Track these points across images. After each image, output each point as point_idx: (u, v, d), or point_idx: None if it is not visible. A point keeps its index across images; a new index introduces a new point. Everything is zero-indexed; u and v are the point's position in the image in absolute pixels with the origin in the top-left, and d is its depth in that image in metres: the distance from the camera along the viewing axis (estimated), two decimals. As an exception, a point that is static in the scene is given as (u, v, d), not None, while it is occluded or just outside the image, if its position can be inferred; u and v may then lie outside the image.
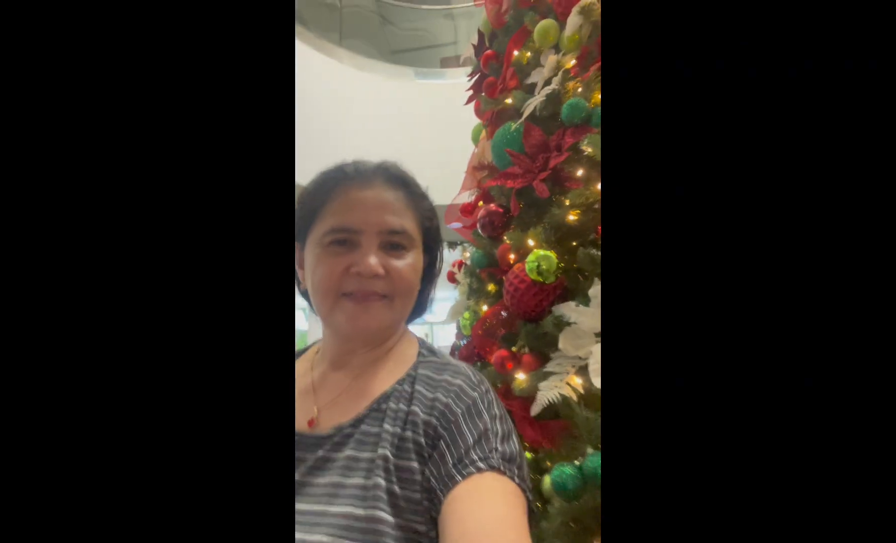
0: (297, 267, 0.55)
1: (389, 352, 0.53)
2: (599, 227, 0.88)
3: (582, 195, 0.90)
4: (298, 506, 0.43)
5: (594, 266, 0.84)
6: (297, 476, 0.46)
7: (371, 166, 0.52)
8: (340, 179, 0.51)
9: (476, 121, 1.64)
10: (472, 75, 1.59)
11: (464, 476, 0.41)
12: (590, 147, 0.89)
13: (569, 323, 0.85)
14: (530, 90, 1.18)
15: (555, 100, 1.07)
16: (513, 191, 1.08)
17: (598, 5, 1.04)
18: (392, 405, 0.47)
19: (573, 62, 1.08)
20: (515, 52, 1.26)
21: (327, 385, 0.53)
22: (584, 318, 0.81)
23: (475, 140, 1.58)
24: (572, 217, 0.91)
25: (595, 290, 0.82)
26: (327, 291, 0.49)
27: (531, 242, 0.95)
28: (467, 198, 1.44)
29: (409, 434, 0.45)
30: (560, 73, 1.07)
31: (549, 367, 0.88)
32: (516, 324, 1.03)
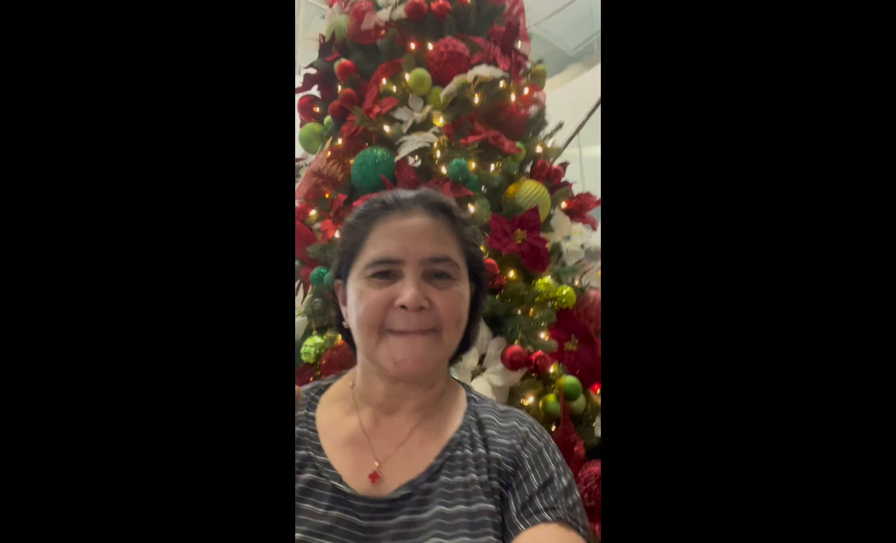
0: (339, 303, 0.52)
1: (442, 395, 0.51)
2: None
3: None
4: None
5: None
6: None
7: (411, 195, 0.50)
8: (379, 210, 0.49)
9: (302, 120, 1.48)
10: (312, 72, 1.43)
11: (527, 525, 0.42)
12: (477, 208, 1.03)
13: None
14: (390, 122, 1.22)
15: (424, 150, 1.16)
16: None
17: (474, 89, 1.23)
18: (468, 452, 0.46)
19: (441, 120, 1.22)
20: (384, 81, 1.27)
21: (383, 432, 0.48)
22: (469, 358, 0.91)
23: (306, 142, 1.41)
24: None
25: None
26: (371, 327, 0.46)
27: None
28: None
29: (494, 482, 0.44)
30: (433, 128, 1.17)
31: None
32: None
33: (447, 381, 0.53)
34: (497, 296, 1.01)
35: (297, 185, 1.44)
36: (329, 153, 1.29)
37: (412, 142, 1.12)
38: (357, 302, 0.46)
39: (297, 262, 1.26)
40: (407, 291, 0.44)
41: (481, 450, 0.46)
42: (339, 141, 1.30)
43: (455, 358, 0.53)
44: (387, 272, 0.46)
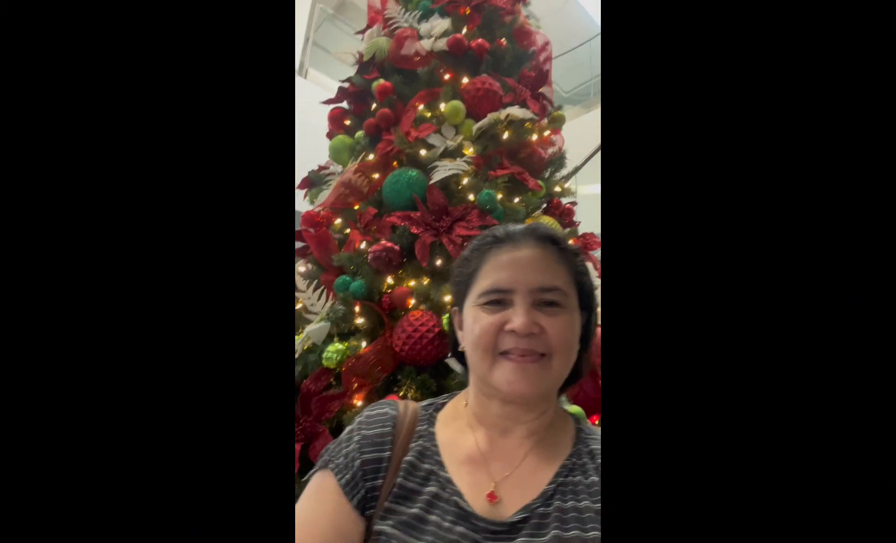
0: (456, 329, 0.54)
1: (553, 423, 0.52)
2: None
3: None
4: None
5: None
6: None
7: (520, 229, 0.53)
8: (491, 244, 0.52)
9: (328, 129, 1.53)
10: (350, 87, 1.49)
11: None
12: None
13: (456, 377, 0.98)
14: (425, 146, 1.28)
15: (452, 177, 1.23)
16: (416, 236, 1.12)
17: (504, 126, 1.32)
18: (580, 478, 0.47)
19: (471, 150, 1.29)
20: (420, 107, 1.34)
21: (498, 454, 0.50)
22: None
23: (335, 153, 1.46)
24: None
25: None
26: (486, 350, 0.48)
27: (448, 297, 1.02)
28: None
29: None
30: (463, 157, 1.25)
31: (441, 415, 0.96)
32: (389, 368, 1.04)
33: (557, 411, 0.54)
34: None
35: (320, 193, 1.48)
36: (357, 166, 1.34)
37: (445, 169, 1.19)
38: (472, 327, 0.49)
39: (316, 268, 1.29)
40: (517, 317, 0.46)
41: (594, 478, 0.47)
42: (371, 156, 1.36)
43: (565, 387, 0.54)
44: (499, 300, 0.48)
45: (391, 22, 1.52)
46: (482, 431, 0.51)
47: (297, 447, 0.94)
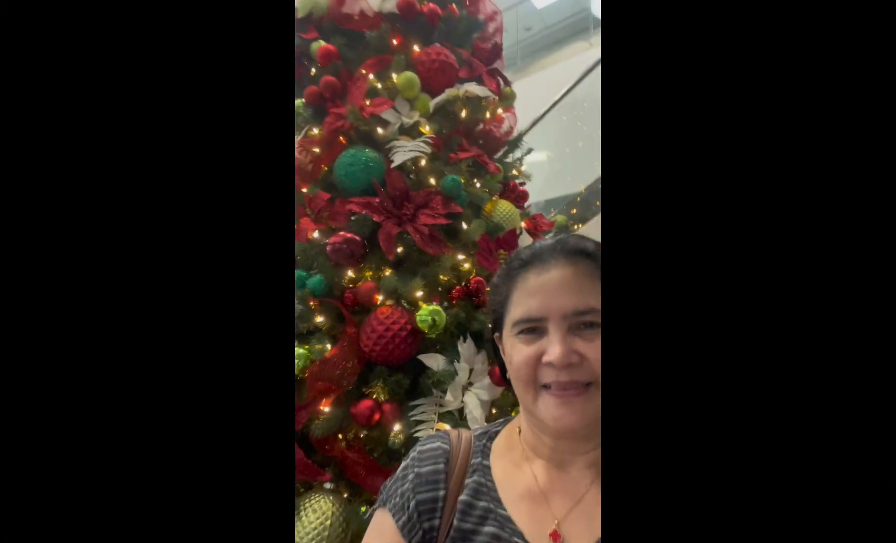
0: (501, 354, 0.51)
1: None
2: (456, 290, 1.06)
3: (450, 259, 1.05)
4: None
5: (458, 323, 1.00)
6: None
7: (548, 246, 0.49)
8: (518, 268, 0.48)
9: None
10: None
11: None
12: (472, 227, 1.06)
13: (433, 375, 0.95)
14: (380, 122, 1.18)
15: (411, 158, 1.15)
16: (376, 224, 1.03)
17: (462, 104, 1.25)
18: None
19: (428, 128, 1.21)
20: (370, 76, 1.21)
21: (558, 488, 0.47)
22: (462, 373, 0.95)
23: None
24: (442, 278, 1.03)
25: (466, 346, 0.98)
26: (527, 383, 0.45)
27: (419, 293, 0.97)
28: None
29: None
30: (422, 137, 1.17)
31: (416, 415, 0.93)
32: (357, 370, 0.97)
33: None
34: (483, 313, 1.07)
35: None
36: (300, 141, 1.19)
37: (404, 150, 1.10)
38: (510, 358, 0.47)
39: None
40: (553, 348, 0.43)
41: None
42: (315, 130, 1.21)
43: None
44: (533, 329, 0.45)
45: (328, -29, 1.33)
46: (539, 463, 0.48)
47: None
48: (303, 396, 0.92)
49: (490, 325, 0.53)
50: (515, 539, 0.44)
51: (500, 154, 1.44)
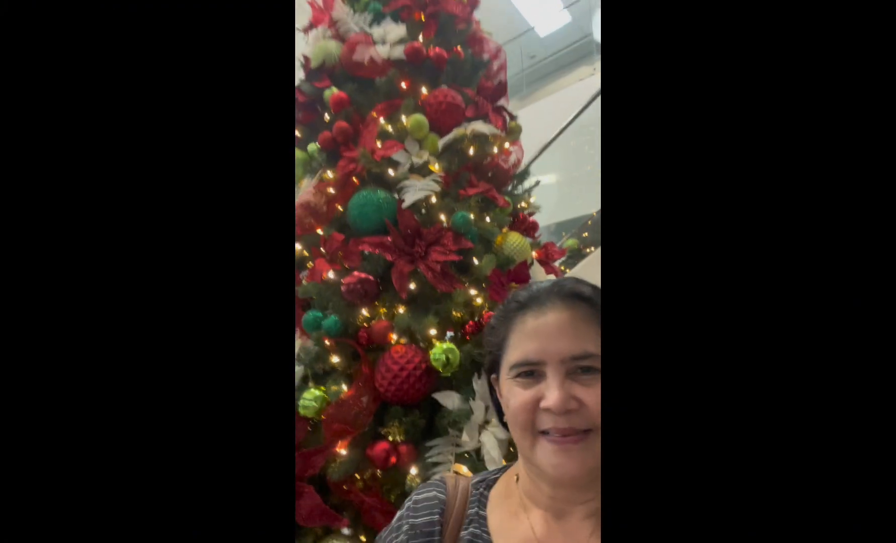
0: (498, 396, 0.51)
1: None
2: (469, 325, 1.06)
3: (463, 295, 1.06)
4: None
5: (472, 360, 1.00)
6: None
7: (545, 288, 0.49)
8: (515, 310, 0.49)
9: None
10: (298, 95, 1.35)
11: None
12: (484, 263, 1.08)
13: (448, 415, 0.95)
14: (390, 164, 1.21)
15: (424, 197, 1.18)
16: (389, 263, 1.05)
17: (469, 142, 1.29)
18: None
19: (437, 166, 1.25)
20: (381, 120, 1.26)
21: (557, 540, 0.46)
22: (478, 411, 0.95)
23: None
24: (455, 315, 1.04)
25: (481, 382, 0.98)
26: (524, 429, 0.45)
27: (432, 331, 0.98)
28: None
29: None
30: (432, 175, 1.20)
31: (433, 457, 0.92)
32: (373, 410, 0.98)
33: None
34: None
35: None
36: (315, 186, 1.23)
37: (415, 189, 1.13)
38: (507, 402, 0.46)
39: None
40: (551, 393, 0.43)
41: None
42: (329, 173, 1.25)
43: None
44: (530, 372, 0.45)
45: (339, 24, 1.40)
46: (537, 513, 0.48)
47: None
48: (320, 439, 0.92)
49: (486, 368, 0.53)
50: None
51: (508, 187, 1.47)
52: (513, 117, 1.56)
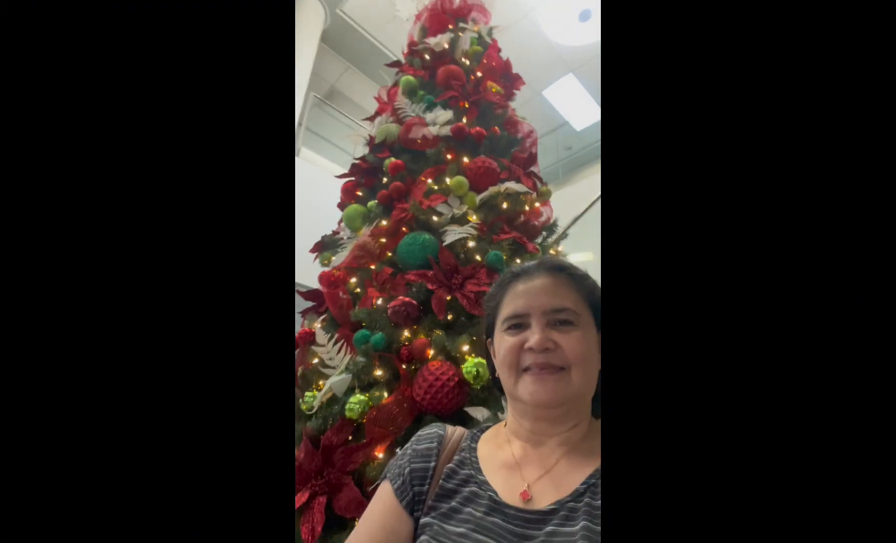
0: (492, 357, 0.61)
1: (587, 436, 0.56)
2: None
3: (494, 322, 1.18)
4: None
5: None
6: None
7: (534, 263, 0.62)
8: (509, 278, 0.62)
9: (343, 200, 1.67)
10: (362, 163, 1.67)
11: None
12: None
13: (478, 423, 1.02)
14: (435, 213, 1.43)
15: (461, 241, 1.37)
16: (431, 292, 1.21)
17: (503, 198, 1.50)
18: None
19: (475, 217, 1.45)
20: (429, 181, 1.51)
21: (531, 461, 0.54)
22: (506, 422, 1.02)
23: (349, 219, 1.59)
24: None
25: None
26: (510, 367, 0.55)
27: (465, 347, 1.10)
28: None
29: None
30: (469, 223, 1.40)
31: (463, 462, 0.99)
32: (410, 418, 1.07)
33: (596, 430, 0.57)
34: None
35: (332, 257, 1.58)
36: (372, 231, 1.47)
37: (455, 233, 1.33)
38: (498, 351, 0.57)
39: (331, 323, 1.34)
40: (533, 336, 0.53)
41: None
42: (384, 222, 1.49)
43: (599, 409, 0.59)
44: (518, 324, 0.56)
45: (399, 111, 1.75)
46: (517, 443, 0.57)
47: (322, 500, 0.94)
48: (361, 437, 1.03)
49: (485, 335, 0.64)
50: (490, 493, 0.51)
51: (538, 239, 1.63)
52: (543, 182, 1.77)
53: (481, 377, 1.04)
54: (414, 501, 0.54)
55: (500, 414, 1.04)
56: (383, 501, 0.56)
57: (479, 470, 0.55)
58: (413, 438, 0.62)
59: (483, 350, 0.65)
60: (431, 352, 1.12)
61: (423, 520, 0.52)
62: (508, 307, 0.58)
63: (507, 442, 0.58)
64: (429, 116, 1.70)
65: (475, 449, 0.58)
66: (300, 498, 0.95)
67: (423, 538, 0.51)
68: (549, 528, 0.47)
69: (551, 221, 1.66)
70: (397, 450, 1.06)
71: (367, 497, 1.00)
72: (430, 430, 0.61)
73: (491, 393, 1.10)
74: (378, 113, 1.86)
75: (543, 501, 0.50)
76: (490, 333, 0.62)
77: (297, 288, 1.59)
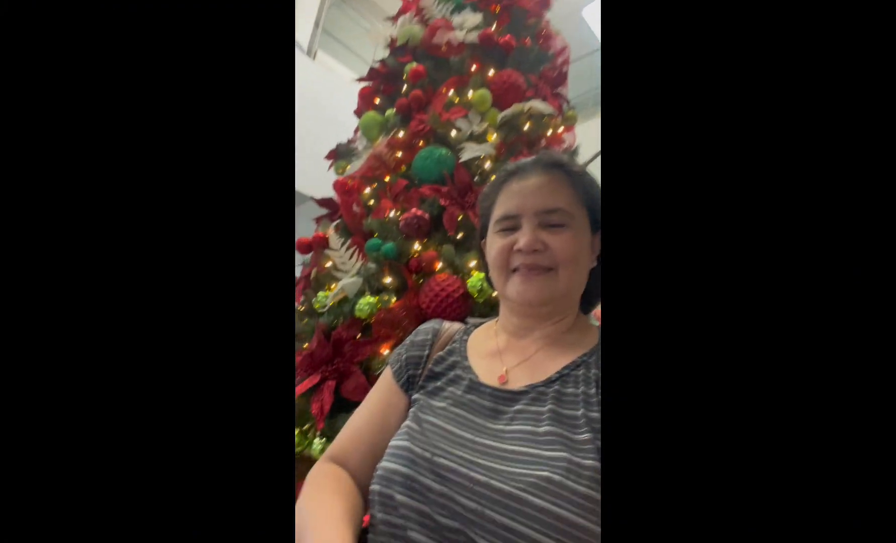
0: (486, 258, 0.63)
1: (570, 331, 0.58)
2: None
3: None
4: (501, 446, 0.47)
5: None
6: (493, 423, 0.51)
7: (530, 160, 0.61)
8: (504, 177, 0.61)
9: (361, 107, 1.62)
10: (382, 68, 1.59)
11: None
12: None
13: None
14: (453, 127, 1.40)
15: (475, 159, 1.34)
16: (444, 208, 1.23)
17: (526, 117, 1.44)
18: (583, 372, 0.53)
19: (495, 136, 1.41)
20: (450, 92, 1.45)
21: (513, 350, 0.58)
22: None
23: (366, 128, 1.55)
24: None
25: (509, 316, 1.11)
26: (500, 268, 0.57)
27: (472, 263, 1.14)
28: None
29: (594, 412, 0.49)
30: (485, 141, 1.36)
31: (460, 366, 1.07)
32: (414, 323, 1.14)
33: (580, 322, 0.59)
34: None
35: (347, 166, 1.57)
36: (388, 141, 1.44)
37: (472, 150, 1.30)
38: (490, 251, 0.59)
39: (345, 230, 1.38)
40: (523, 237, 0.54)
41: (595, 371, 0.51)
42: (401, 133, 1.46)
43: (589, 305, 0.62)
44: (509, 226, 0.56)
45: (424, 11, 1.62)
46: (504, 336, 0.61)
47: (331, 384, 1.04)
48: (369, 334, 1.11)
49: (479, 236, 0.65)
50: (470, 376, 0.57)
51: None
52: (571, 106, 1.68)
53: (485, 291, 1.09)
54: (409, 383, 0.60)
55: (499, 327, 1.11)
56: (384, 382, 0.63)
57: (464, 357, 0.60)
58: (413, 331, 0.67)
59: (481, 252, 0.67)
60: (439, 265, 1.16)
61: (414, 397, 0.58)
62: (501, 207, 0.58)
63: (495, 335, 0.62)
64: (456, 19, 1.58)
65: (466, 341, 0.63)
66: (311, 381, 1.05)
67: (411, 410, 0.56)
68: (517, 407, 0.51)
69: (573, 149, 1.60)
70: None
71: (372, 384, 1.11)
72: (428, 324, 0.67)
73: (493, 308, 1.15)
74: (401, 12, 1.73)
75: (517, 384, 0.54)
76: (483, 234, 0.64)
77: (311, 196, 1.61)
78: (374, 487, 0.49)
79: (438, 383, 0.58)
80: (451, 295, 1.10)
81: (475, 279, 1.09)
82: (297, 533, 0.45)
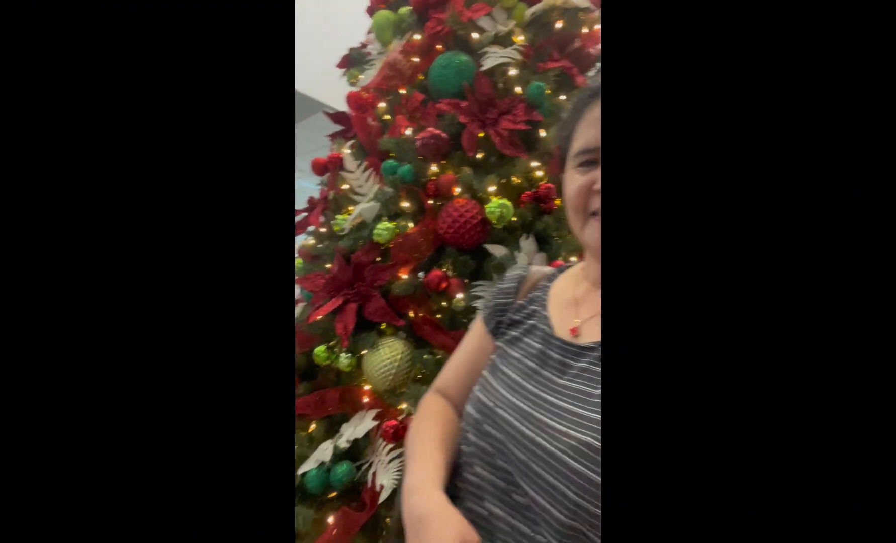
0: (564, 195, 0.55)
1: None
2: (526, 194, 1.15)
3: (524, 165, 1.14)
4: (558, 403, 0.48)
5: (524, 223, 1.11)
6: (558, 378, 0.51)
7: None
8: (584, 100, 0.52)
9: (373, 4, 1.46)
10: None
11: None
12: (549, 137, 1.13)
13: (494, 261, 1.09)
14: (476, 28, 1.25)
15: (498, 67, 1.21)
16: (463, 126, 1.15)
17: (559, 14, 1.26)
18: None
19: (522, 37, 1.25)
20: (472, -15, 1.26)
21: (590, 301, 0.55)
22: (521, 262, 1.08)
23: (379, 30, 1.41)
24: (515, 181, 1.13)
25: (528, 243, 1.10)
26: (577, 210, 0.52)
27: (492, 188, 1.09)
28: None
29: None
30: (513, 45, 1.22)
31: (477, 292, 1.09)
32: (432, 249, 1.14)
33: None
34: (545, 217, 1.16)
35: (360, 74, 1.46)
36: (403, 46, 1.31)
37: (495, 56, 1.17)
38: (567, 189, 0.52)
39: (360, 150, 1.33)
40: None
41: None
42: (417, 36, 1.32)
43: None
44: (590, 161, 0.49)
45: None
46: (585, 284, 0.58)
47: (354, 305, 1.09)
48: (388, 260, 1.13)
49: (558, 166, 0.59)
50: (544, 327, 0.56)
51: (591, 73, 1.43)
52: (612, -5, 1.45)
53: (504, 218, 1.06)
54: (496, 329, 0.61)
55: (516, 253, 1.10)
56: (476, 328, 0.65)
57: (544, 306, 0.58)
58: (500, 278, 0.68)
59: (509, 192, 0.63)
60: (457, 190, 1.12)
61: (497, 344, 0.60)
62: (580, 139, 0.51)
63: (577, 283, 0.59)
64: None
65: (548, 288, 0.61)
66: (335, 303, 1.10)
67: (491, 357, 0.59)
68: (582, 363, 0.49)
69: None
70: (420, 274, 1.17)
71: (393, 307, 1.15)
72: (515, 271, 0.66)
73: (511, 234, 1.13)
74: None
75: (587, 339, 0.51)
76: (562, 167, 0.56)
77: (323, 108, 1.52)
78: (461, 425, 0.56)
79: (517, 332, 0.58)
80: (469, 221, 1.08)
81: (494, 204, 1.05)
82: (406, 451, 0.56)
